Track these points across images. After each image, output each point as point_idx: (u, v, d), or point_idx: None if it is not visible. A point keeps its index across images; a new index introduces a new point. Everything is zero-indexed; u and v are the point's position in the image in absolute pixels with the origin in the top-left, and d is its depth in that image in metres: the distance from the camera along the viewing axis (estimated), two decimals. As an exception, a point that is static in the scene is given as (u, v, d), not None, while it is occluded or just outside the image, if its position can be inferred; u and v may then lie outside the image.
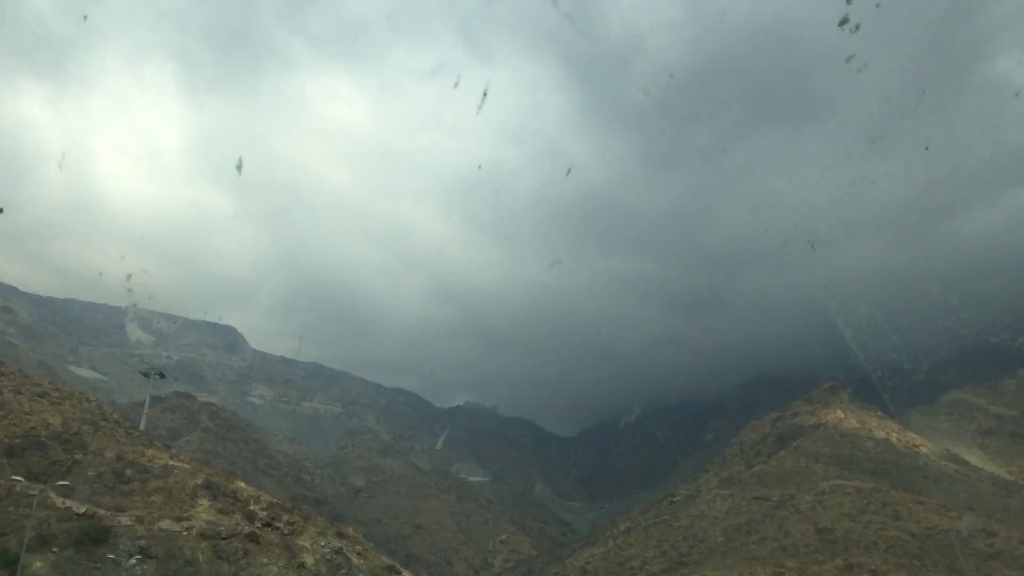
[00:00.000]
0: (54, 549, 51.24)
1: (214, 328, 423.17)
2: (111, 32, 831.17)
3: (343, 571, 59.47)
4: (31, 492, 54.35)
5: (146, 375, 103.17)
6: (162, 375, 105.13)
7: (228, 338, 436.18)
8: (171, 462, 64.41)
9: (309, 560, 58.26)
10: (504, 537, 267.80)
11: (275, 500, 65.26)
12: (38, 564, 50.36)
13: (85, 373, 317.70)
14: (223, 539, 56.20)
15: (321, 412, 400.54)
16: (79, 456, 60.31)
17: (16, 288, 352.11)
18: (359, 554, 66.26)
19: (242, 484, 66.29)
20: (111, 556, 51.37)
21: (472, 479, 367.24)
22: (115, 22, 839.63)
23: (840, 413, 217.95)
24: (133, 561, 52.84)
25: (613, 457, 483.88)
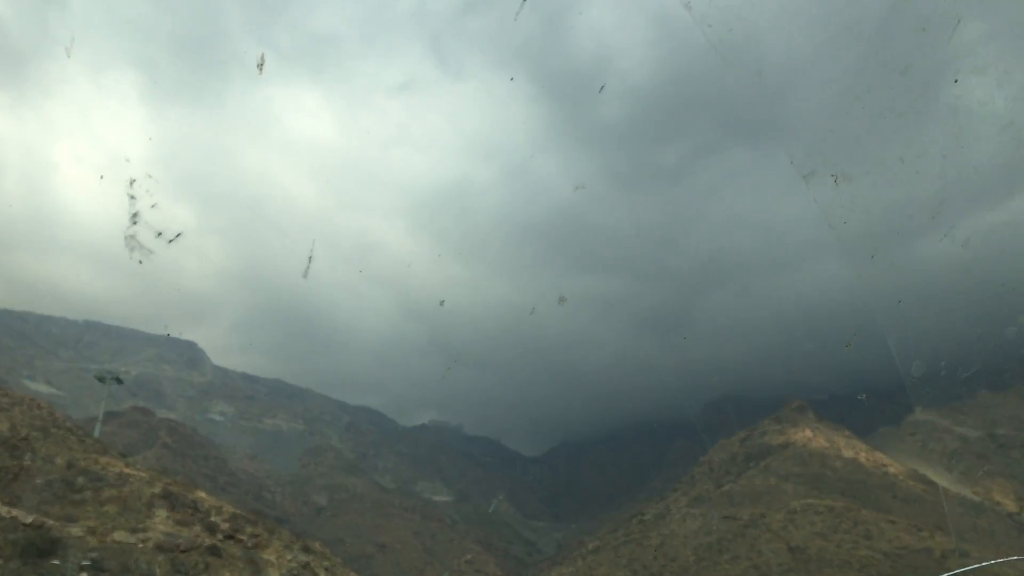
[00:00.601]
0: (-3, 561, 47.36)
1: (174, 343, 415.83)
2: (72, 39, 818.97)
3: (310, 587, 55.95)
4: (-27, 501, 50.39)
5: (101, 379, 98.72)
6: (119, 380, 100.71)
7: (188, 353, 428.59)
8: (126, 470, 60.44)
9: (274, 575, 54.63)
10: (469, 557, 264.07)
11: (238, 512, 61.45)
12: (-22, 578, 46.44)
13: (40, 387, 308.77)
14: (182, 552, 52.38)
15: (283, 429, 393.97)
16: (27, 463, 56.24)
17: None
18: (326, 569, 62.66)
19: (203, 494, 62.42)
20: (56, 562, 47.45)
21: (436, 498, 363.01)
22: (77, 30, 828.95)
23: (808, 432, 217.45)
24: (84, 575, 49.00)
25: (578, 477, 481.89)
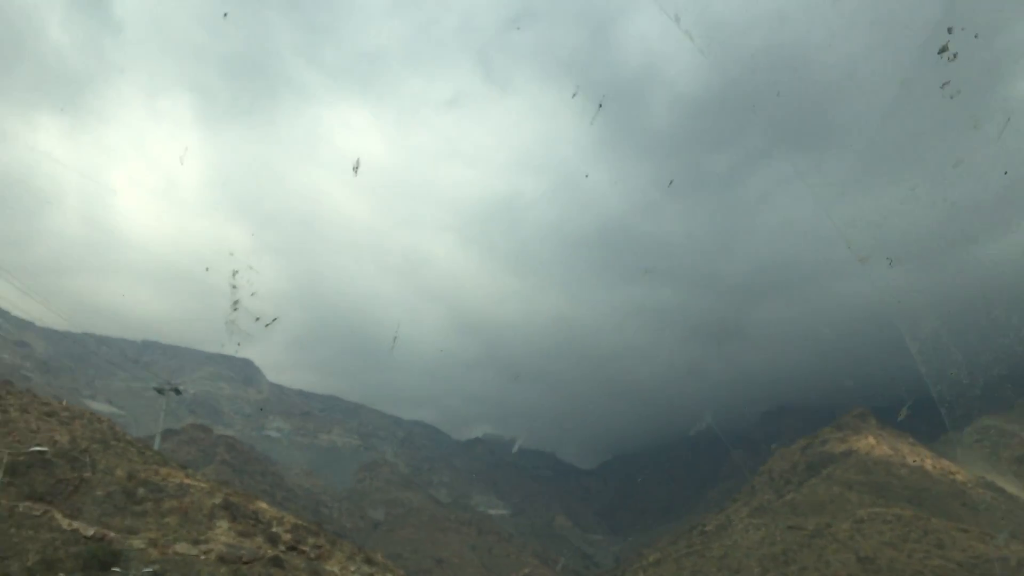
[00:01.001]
0: (60, 575, 46.59)
1: (230, 361, 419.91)
2: (127, 66, 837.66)
3: (374, 599, 54.50)
4: (35, 513, 49.85)
5: (160, 391, 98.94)
6: (178, 391, 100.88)
7: (245, 371, 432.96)
8: (187, 481, 59.65)
9: (338, 586, 53.38)
10: (527, 571, 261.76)
11: (300, 523, 60.31)
12: (41, 591, 45.75)
13: (100, 407, 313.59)
14: (244, 563, 51.30)
15: (339, 445, 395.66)
16: (87, 475, 55.69)
17: (32, 323, 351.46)
18: (389, 582, 61.34)
19: (263, 505, 61.38)
20: (117, 569, 46.60)
21: (492, 512, 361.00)
22: (132, 55, 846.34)
23: (871, 440, 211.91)
24: (146, 588, 48.18)
25: (634, 489, 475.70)
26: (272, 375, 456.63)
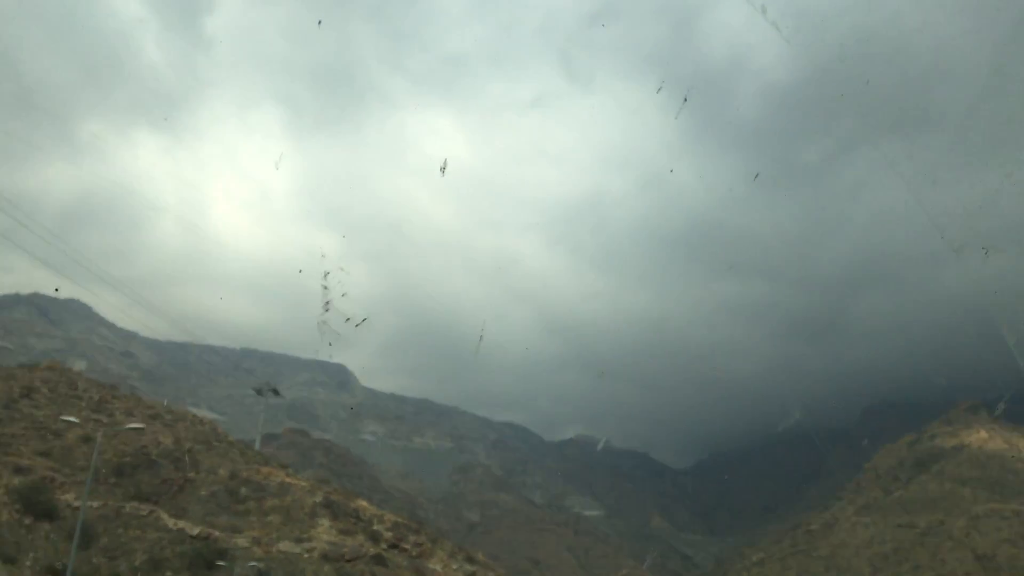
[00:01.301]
0: (167, 573, 46.72)
1: (325, 366, 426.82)
2: (219, 81, 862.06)
3: (477, 598, 53.39)
4: (141, 513, 50.25)
5: (259, 392, 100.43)
6: (276, 392, 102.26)
7: (339, 376, 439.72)
8: (288, 480, 59.60)
9: (441, 585, 52.47)
10: (624, 572, 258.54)
11: (400, 520, 59.68)
12: (150, 590, 45.94)
13: (203, 413, 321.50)
14: (347, 561, 50.77)
15: (432, 447, 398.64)
16: (191, 475, 56.06)
17: (137, 333, 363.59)
18: (492, 581, 60.18)
19: (364, 503, 60.95)
20: (222, 563, 46.40)
21: (587, 513, 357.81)
22: (223, 70, 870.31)
23: (984, 434, 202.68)
24: (251, 586, 47.99)
25: (730, 489, 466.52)
26: (365, 380, 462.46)
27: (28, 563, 43.31)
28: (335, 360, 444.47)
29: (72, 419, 49.32)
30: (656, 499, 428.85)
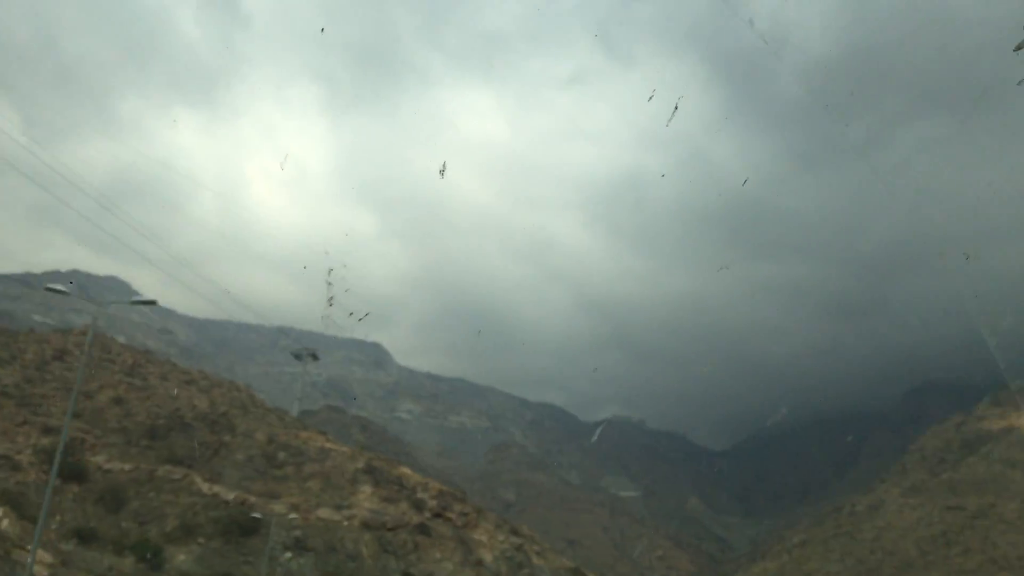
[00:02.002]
0: (200, 540, 44.25)
1: (361, 345, 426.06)
2: (257, 58, 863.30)
3: (525, 571, 50.29)
4: (175, 477, 47.74)
5: (298, 356, 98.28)
6: (315, 356, 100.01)
7: (375, 355, 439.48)
8: (328, 445, 56.88)
9: (487, 557, 49.35)
10: (661, 553, 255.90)
11: (445, 489, 56.79)
12: (181, 557, 43.35)
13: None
14: (389, 530, 47.93)
15: (468, 426, 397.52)
16: (227, 438, 53.45)
17: (174, 311, 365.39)
18: (538, 554, 57.12)
19: (407, 471, 58.13)
20: (263, 527, 43.71)
21: (623, 494, 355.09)
22: (260, 47, 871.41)
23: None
24: (288, 555, 45.32)
25: (769, 471, 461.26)
26: (401, 358, 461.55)
27: (54, 525, 40.95)
28: (371, 339, 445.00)
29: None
30: (693, 481, 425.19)
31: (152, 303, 29.12)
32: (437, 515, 52.18)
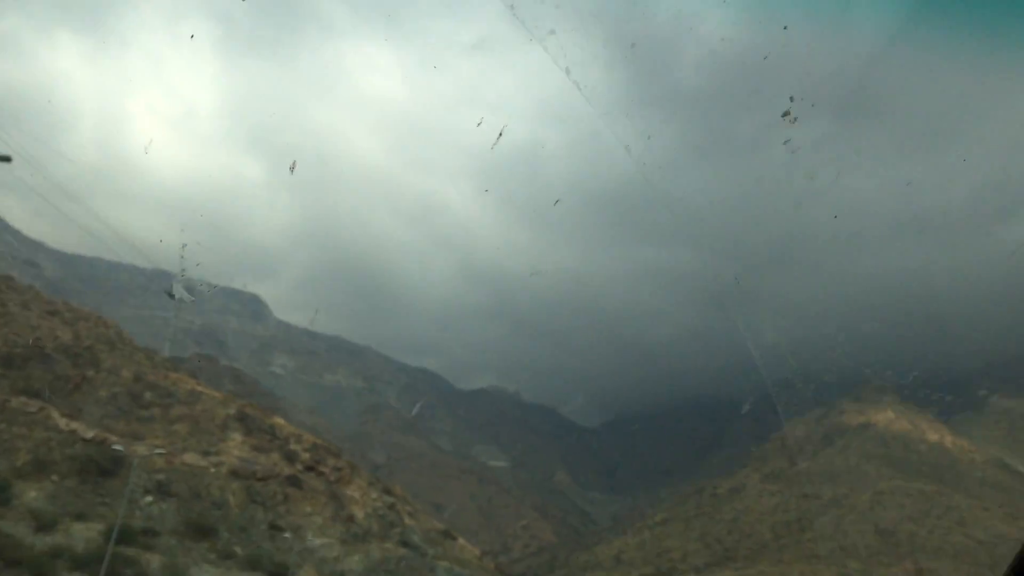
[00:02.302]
0: (53, 477, 41.55)
1: (239, 296, 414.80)
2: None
3: (396, 530, 49.39)
4: (29, 409, 44.68)
5: (171, 295, 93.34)
6: (7, 159, 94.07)
7: (252, 306, 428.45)
8: (199, 388, 54.41)
9: (359, 514, 48.19)
10: (525, 523, 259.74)
11: (319, 442, 55.13)
12: (32, 494, 40.63)
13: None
14: (259, 480, 46.16)
15: (342, 386, 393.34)
16: (90, 373, 50.41)
17: (43, 243, 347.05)
18: (410, 515, 56.29)
19: (280, 420, 56.23)
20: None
21: (492, 463, 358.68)
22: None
23: (891, 414, 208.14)
24: (149, 499, 43.06)
25: (635, 450, 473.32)
26: (280, 312, 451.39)
27: None
28: (250, 290, 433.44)
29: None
30: (562, 455, 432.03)
31: (7, 160, 26.33)
32: (309, 468, 50.64)
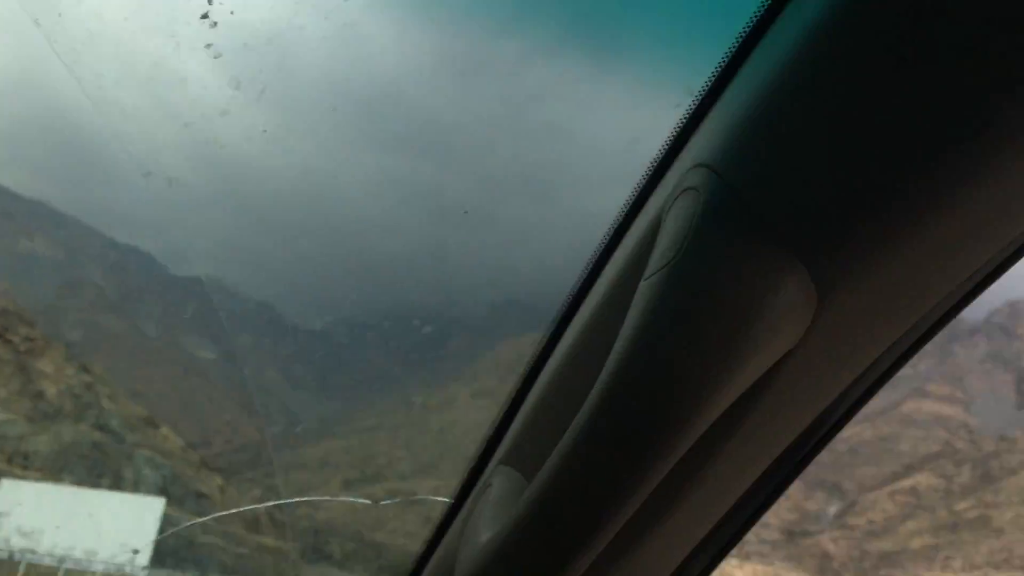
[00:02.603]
0: None
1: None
2: None
3: (92, 411, 44.79)
4: None
5: None
6: None
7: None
8: None
9: (51, 390, 43.10)
10: (229, 418, 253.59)
11: (11, 308, 48.60)
12: None
13: None
14: (-71, 341, 39.76)
15: (40, 255, 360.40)
16: None
17: None
18: (109, 398, 51.47)
19: (-35, 279, 48.87)
20: None
21: (201, 354, 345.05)
22: None
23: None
24: None
25: (352, 356, 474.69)
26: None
27: None
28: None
29: None
30: (273, 353, 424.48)
31: None
32: (-4, 335, 44.68)
